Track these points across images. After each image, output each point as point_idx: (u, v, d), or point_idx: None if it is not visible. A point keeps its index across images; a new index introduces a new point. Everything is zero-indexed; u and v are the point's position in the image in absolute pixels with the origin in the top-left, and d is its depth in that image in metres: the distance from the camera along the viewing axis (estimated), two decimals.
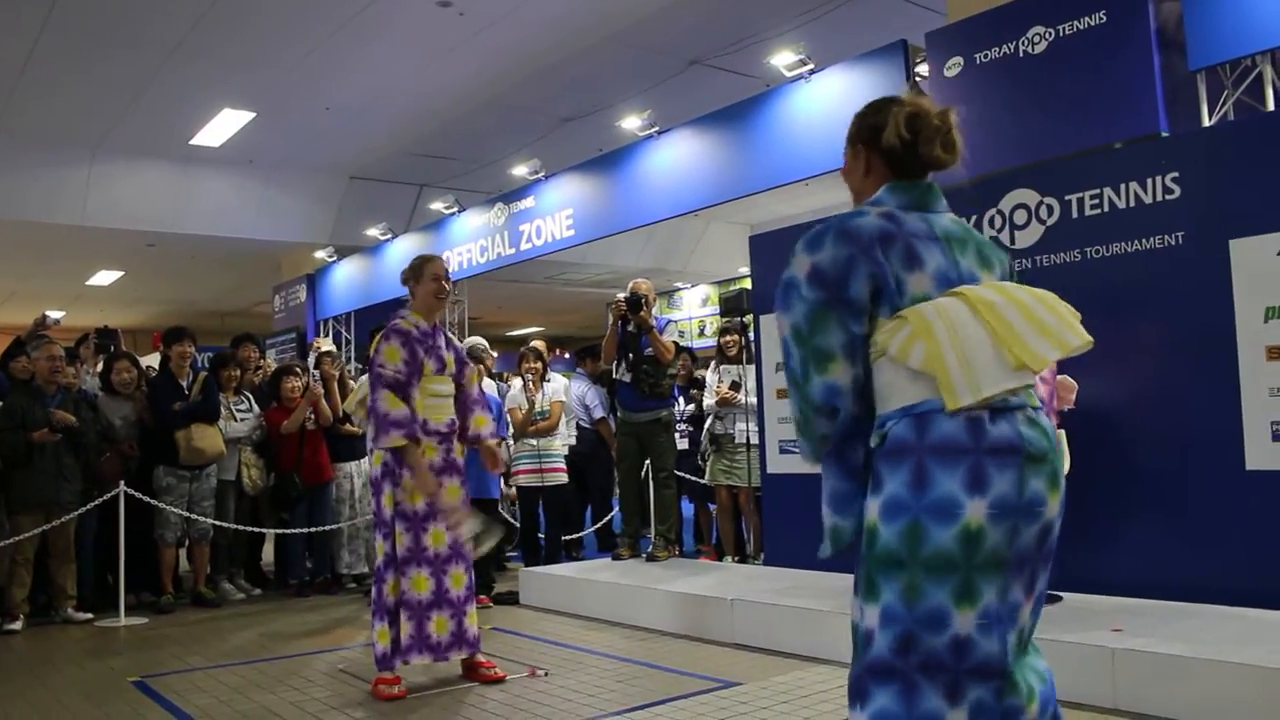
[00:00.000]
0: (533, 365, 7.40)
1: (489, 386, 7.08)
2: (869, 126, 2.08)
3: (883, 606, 1.79)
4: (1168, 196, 4.67)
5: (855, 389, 1.89)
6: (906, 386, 1.84)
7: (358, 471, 7.40)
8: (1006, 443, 1.79)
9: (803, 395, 1.91)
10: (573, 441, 7.91)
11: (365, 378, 4.55)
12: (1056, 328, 1.86)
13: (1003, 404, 1.82)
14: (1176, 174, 4.64)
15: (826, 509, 1.89)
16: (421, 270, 4.55)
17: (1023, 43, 5.62)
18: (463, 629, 4.44)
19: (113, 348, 7.77)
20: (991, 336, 1.82)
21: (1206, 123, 5.15)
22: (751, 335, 6.87)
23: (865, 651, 1.81)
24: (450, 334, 4.74)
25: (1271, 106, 5.05)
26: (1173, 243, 4.64)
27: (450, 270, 11.20)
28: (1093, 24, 5.32)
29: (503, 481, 7.39)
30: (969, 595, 1.76)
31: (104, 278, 15.78)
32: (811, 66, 7.15)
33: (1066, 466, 3.91)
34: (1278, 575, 4.21)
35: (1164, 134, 5.07)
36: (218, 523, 6.83)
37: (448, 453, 4.47)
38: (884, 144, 2.03)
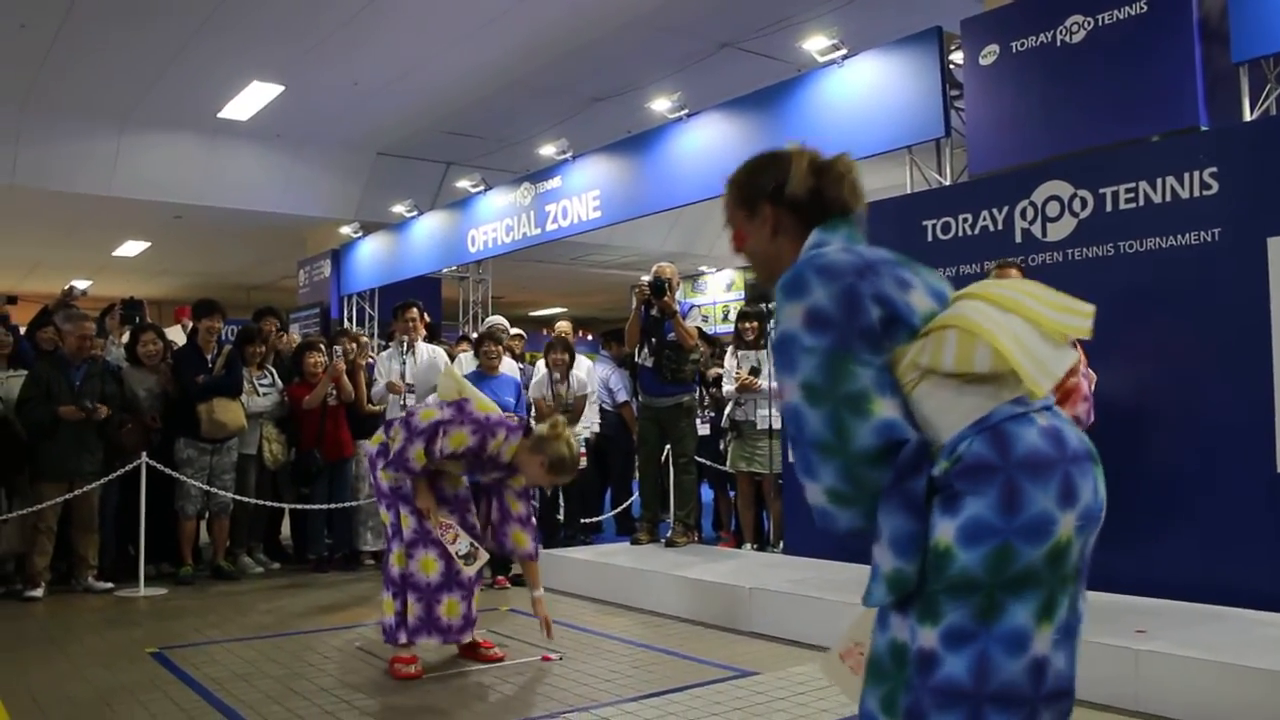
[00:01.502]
0: (560, 357, 7.34)
1: (509, 367, 7.04)
2: (768, 181, 1.93)
3: (948, 625, 1.61)
4: (1205, 192, 4.57)
5: (908, 418, 1.68)
6: (964, 401, 1.67)
7: None
8: (1080, 448, 1.68)
9: (846, 455, 1.65)
10: (596, 428, 7.87)
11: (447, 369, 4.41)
12: (1066, 302, 1.76)
13: (1045, 405, 1.72)
14: (1215, 169, 4.54)
15: (887, 553, 1.65)
16: (552, 461, 4.12)
17: (1060, 31, 5.52)
18: (471, 611, 4.44)
19: (138, 319, 7.80)
20: (1029, 324, 1.70)
21: (1248, 117, 5.05)
22: (773, 322, 6.81)
23: (928, 674, 1.62)
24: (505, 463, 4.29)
25: None
26: (1209, 239, 4.55)
27: (474, 249, 11.40)
28: (1133, 13, 5.23)
29: None
30: (1049, 611, 1.63)
31: (130, 249, 15.88)
32: (844, 52, 7.06)
33: None
34: None
35: (1203, 128, 4.98)
36: (238, 496, 6.87)
37: None
38: (789, 196, 1.90)
